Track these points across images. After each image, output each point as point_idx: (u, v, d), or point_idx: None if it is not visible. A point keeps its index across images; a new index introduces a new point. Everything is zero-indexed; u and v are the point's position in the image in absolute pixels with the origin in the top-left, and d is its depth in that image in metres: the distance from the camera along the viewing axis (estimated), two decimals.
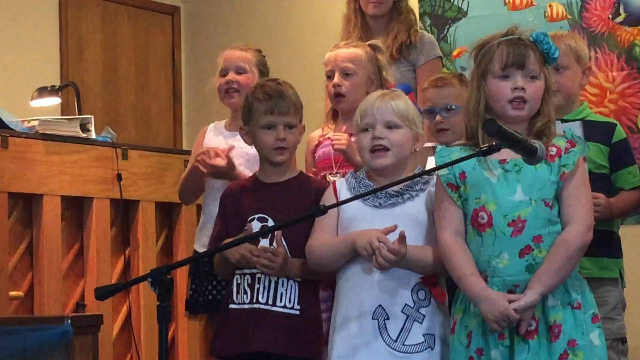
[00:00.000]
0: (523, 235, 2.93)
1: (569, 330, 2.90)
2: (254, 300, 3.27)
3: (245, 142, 3.53)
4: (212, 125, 4.18)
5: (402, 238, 3.01)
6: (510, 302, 2.88)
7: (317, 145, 3.91)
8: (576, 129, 3.25)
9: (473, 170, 3.03)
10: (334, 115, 3.94)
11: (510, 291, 2.95)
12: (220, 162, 3.85)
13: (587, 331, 2.92)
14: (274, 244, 3.28)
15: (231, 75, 4.05)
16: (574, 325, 2.91)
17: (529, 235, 2.93)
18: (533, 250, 2.93)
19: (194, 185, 4.06)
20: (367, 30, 4.41)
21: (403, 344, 3.07)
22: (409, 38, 4.34)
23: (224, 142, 4.02)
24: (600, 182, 3.48)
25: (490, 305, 2.90)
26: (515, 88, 2.99)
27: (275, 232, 3.25)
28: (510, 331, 2.94)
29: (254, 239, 3.27)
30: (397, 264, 3.04)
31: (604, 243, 3.46)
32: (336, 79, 3.82)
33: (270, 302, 3.27)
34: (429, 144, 3.70)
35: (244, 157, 3.95)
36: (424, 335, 3.09)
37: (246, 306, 3.29)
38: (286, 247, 3.27)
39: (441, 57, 4.44)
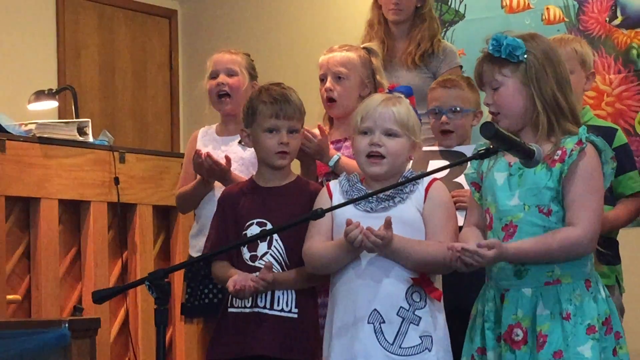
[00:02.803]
0: (514, 240, 2.92)
1: (555, 341, 2.86)
2: (254, 304, 3.28)
3: (246, 144, 3.52)
4: (202, 130, 4.16)
5: (387, 223, 3.01)
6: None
7: None
8: None
9: (488, 171, 3.04)
10: (329, 118, 3.94)
11: (502, 295, 2.95)
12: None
13: (576, 343, 2.85)
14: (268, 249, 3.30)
15: (222, 78, 4.03)
16: (561, 337, 2.86)
17: (519, 240, 2.92)
18: None
19: (198, 199, 4.02)
20: (389, 36, 4.42)
21: (400, 347, 3.07)
22: (432, 47, 4.36)
23: (217, 149, 4.00)
24: None
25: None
26: (487, 104, 3.04)
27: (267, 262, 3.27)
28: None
29: (252, 242, 3.29)
30: (385, 250, 3.04)
31: (603, 250, 3.46)
32: (328, 84, 3.81)
33: (268, 305, 3.27)
34: (433, 148, 3.70)
35: (238, 161, 3.94)
36: (420, 337, 3.08)
37: (247, 310, 3.29)
38: (282, 261, 3.30)
39: (461, 66, 4.44)
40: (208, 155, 3.79)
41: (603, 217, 3.32)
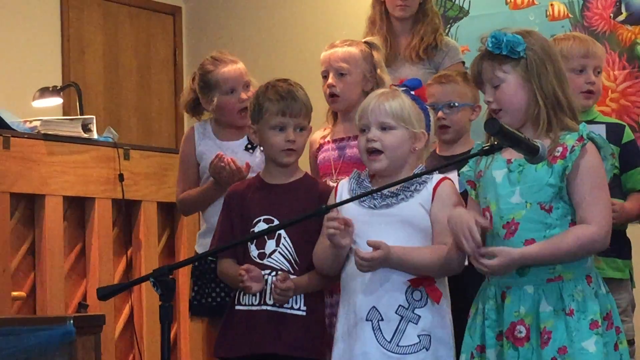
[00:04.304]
0: (515, 238, 2.91)
1: (559, 338, 2.85)
2: (262, 302, 3.28)
3: (253, 141, 3.53)
4: (197, 131, 4.11)
5: (374, 247, 3.01)
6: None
7: (318, 148, 3.90)
8: (600, 132, 3.22)
9: (486, 169, 3.03)
10: (334, 115, 3.93)
11: (503, 293, 2.94)
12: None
13: (580, 339, 2.85)
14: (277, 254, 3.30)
15: (244, 95, 3.97)
16: (565, 332, 2.86)
17: (521, 238, 2.91)
18: None
19: (207, 203, 3.99)
20: (391, 32, 4.43)
21: (397, 345, 3.07)
22: (435, 41, 4.38)
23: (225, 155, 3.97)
24: (612, 183, 3.47)
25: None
26: (487, 102, 3.02)
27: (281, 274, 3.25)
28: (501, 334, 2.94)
29: (256, 239, 3.28)
30: (381, 266, 3.04)
31: (616, 244, 3.45)
32: (330, 80, 3.80)
33: (277, 303, 3.27)
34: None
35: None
36: (418, 335, 3.08)
37: (255, 308, 3.28)
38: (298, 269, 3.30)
39: (464, 62, 4.45)
40: (233, 161, 3.78)
41: (620, 207, 3.39)
